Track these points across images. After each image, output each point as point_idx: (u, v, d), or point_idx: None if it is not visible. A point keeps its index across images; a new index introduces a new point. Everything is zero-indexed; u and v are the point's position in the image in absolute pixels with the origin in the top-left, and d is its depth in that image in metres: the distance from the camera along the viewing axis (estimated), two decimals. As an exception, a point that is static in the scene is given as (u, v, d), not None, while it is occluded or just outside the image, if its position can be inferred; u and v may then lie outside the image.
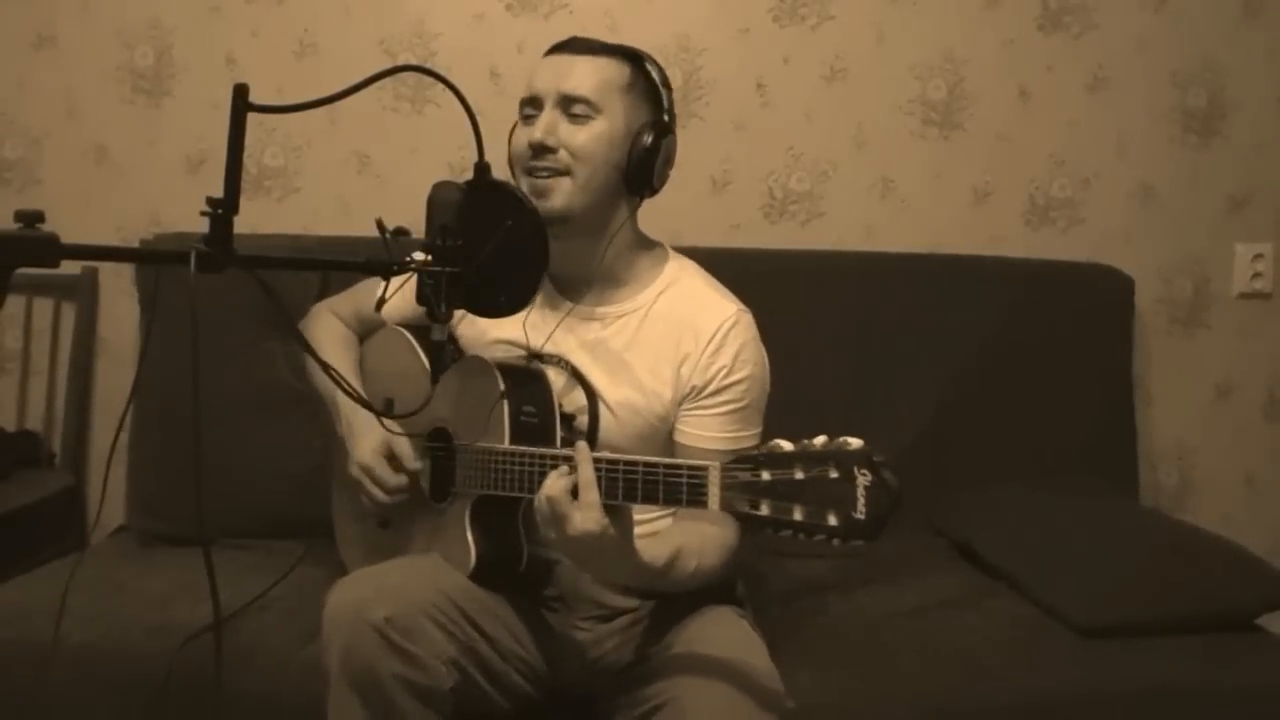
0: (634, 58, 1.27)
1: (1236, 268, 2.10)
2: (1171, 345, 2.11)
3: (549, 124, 1.22)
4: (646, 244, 1.33)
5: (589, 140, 1.22)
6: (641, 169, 1.24)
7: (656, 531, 1.20)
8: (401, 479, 1.27)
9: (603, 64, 1.24)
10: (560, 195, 1.22)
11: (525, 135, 1.24)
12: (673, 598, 1.24)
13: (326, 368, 1.05)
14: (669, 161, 1.27)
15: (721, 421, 1.25)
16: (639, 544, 1.09)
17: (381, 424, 1.26)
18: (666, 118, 1.27)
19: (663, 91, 1.28)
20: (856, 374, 1.88)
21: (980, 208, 2.08)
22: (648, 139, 1.24)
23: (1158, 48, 2.06)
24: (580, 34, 1.31)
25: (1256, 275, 2.11)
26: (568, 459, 1.07)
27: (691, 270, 1.33)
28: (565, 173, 1.22)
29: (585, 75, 1.23)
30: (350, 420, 1.31)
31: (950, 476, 1.83)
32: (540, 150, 1.22)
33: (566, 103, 1.23)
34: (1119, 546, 1.57)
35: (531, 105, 1.26)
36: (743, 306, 1.29)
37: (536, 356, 1.29)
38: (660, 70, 1.29)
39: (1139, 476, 1.95)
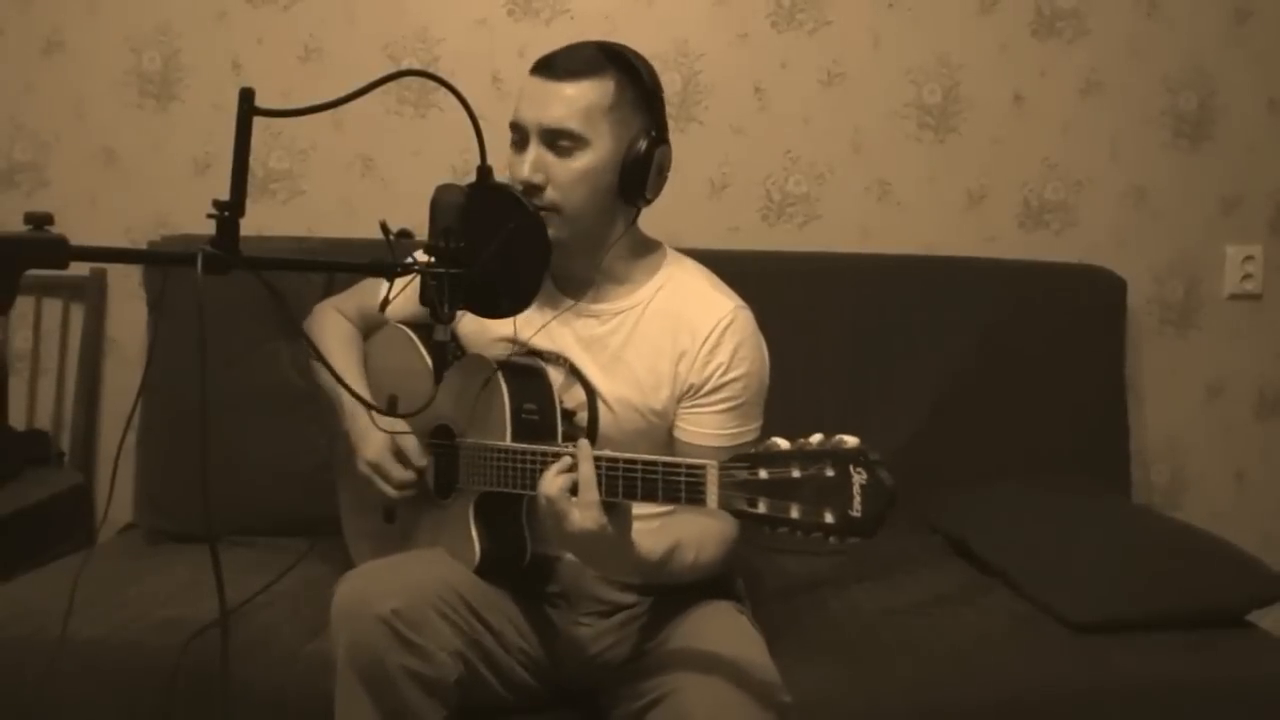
0: (620, 64, 1.23)
1: (1227, 269, 2.12)
2: (1163, 345, 2.13)
3: (535, 161, 1.20)
4: (646, 244, 1.33)
5: (577, 176, 1.20)
6: (635, 184, 1.22)
7: (655, 527, 1.21)
8: (410, 474, 1.27)
9: (585, 88, 1.20)
10: (552, 229, 1.19)
11: (515, 168, 1.22)
12: (672, 592, 1.25)
13: (331, 370, 1.07)
14: (663, 170, 1.25)
15: (721, 419, 1.25)
16: (637, 538, 1.10)
17: (374, 423, 1.26)
18: (655, 130, 1.23)
19: (652, 97, 1.24)
20: (853, 374, 1.90)
21: (975, 210, 2.10)
22: (639, 151, 1.21)
23: (1149, 53, 2.08)
24: (580, 39, 1.32)
25: (1247, 277, 2.12)
26: (569, 455, 1.08)
27: (689, 267, 1.33)
28: (554, 209, 1.20)
29: (568, 105, 1.19)
30: (356, 417, 1.31)
31: (946, 475, 1.84)
32: (529, 189, 1.20)
33: (551, 136, 1.20)
34: (1112, 544, 1.58)
35: (516, 131, 1.23)
36: (740, 303, 1.29)
37: (535, 354, 1.29)
38: (649, 72, 1.25)
39: (1131, 475, 1.97)
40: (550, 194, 1.21)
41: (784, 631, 1.37)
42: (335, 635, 1.12)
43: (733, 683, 1.10)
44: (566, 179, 1.21)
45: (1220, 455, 2.15)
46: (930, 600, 1.57)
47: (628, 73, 1.24)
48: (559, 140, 1.20)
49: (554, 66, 1.22)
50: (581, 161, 1.21)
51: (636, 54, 1.26)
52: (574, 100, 1.20)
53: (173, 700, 1.31)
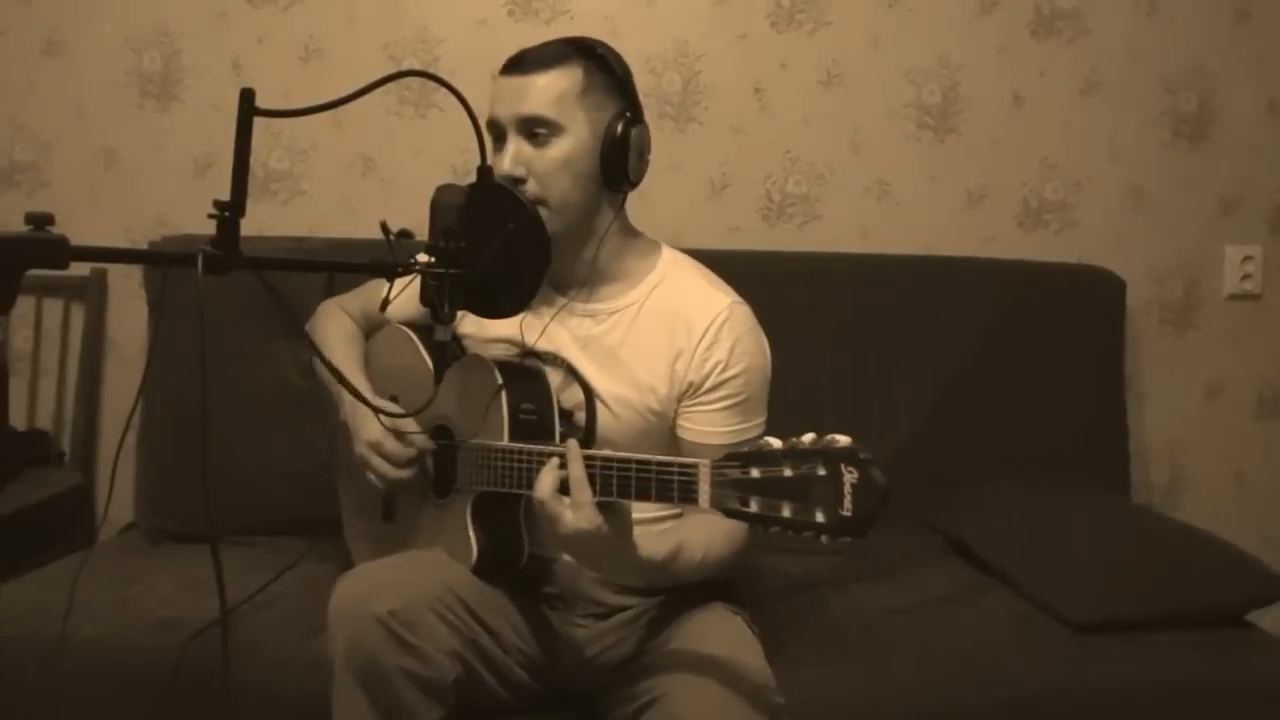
0: (587, 53, 1.24)
1: (1226, 269, 2.13)
2: (1162, 346, 2.13)
3: (515, 154, 1.21)
4: (639, 240, 1.32)
5: (556, 165, 1.21)
6: (616, 168, 1.23)
7: (664, 529, 1.21)
8: (410, 452, 1.26)
9: (555, 76, 1.21)
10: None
11: (496, 166, 1.22)
12: (670, 594, 1.25)
13: (332, 368, 1.07)
14: (643, 152, 1.26)
15: (722, 416, 1.25)
16: (640, 539, 1.10)
17: (381, 423, 1.26)
18: (630, 112, 1.24)
19: (622, 81, 1.25)
20: (853, 374, 1.90)
21: (974, 210, 2.10)
22: (616, 134, 1.22)
23: (1148, 53, 2.08)
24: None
25: (1246, 277, 2.13)
26: (560, 456, 1.08)
27: (685, 264, 1.32)
28: (541, 200, 1.21)
29: (540, 94, 1.21)
30: (356, 405, 1.29)
31: (945, 475, 1.84)
32: (512, 182, 1.21)
33: (527, 126, 1.21)
34: (1111, 544, 1.58)
35: (493, 129, 1.24)
36: (737, 299, 1.28)
37: (533, 354, 1.30)
38: (618, 59, 1.26)
39: (1130, 475, 1.97)
40: (533, 186, 1.22)
41: (784, 631, 1.38)
42: (332, 636, 1.12)
43: (726, 685, 1.11)
44: (546, 169, 1.22)
45: (1219, 455, 2.15)
46: (930, 600, 1.57)
47: (594, 59, 1.25)
48: (535, 129, 1.21)
49: (522, 63, 1.24)
50: (559, 149, 1.21)
51: (602, 43, 1.27)
52: (546, 89, 1.21)
53: (173, 700, 1.31)
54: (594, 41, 1.27)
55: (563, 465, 1.07)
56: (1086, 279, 2.01)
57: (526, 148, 1.22)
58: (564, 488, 1.06)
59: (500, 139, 1.24)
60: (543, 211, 1.21)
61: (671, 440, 1.27)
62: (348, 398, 1.31)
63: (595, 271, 1.29)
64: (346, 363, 1.35)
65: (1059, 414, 1.92)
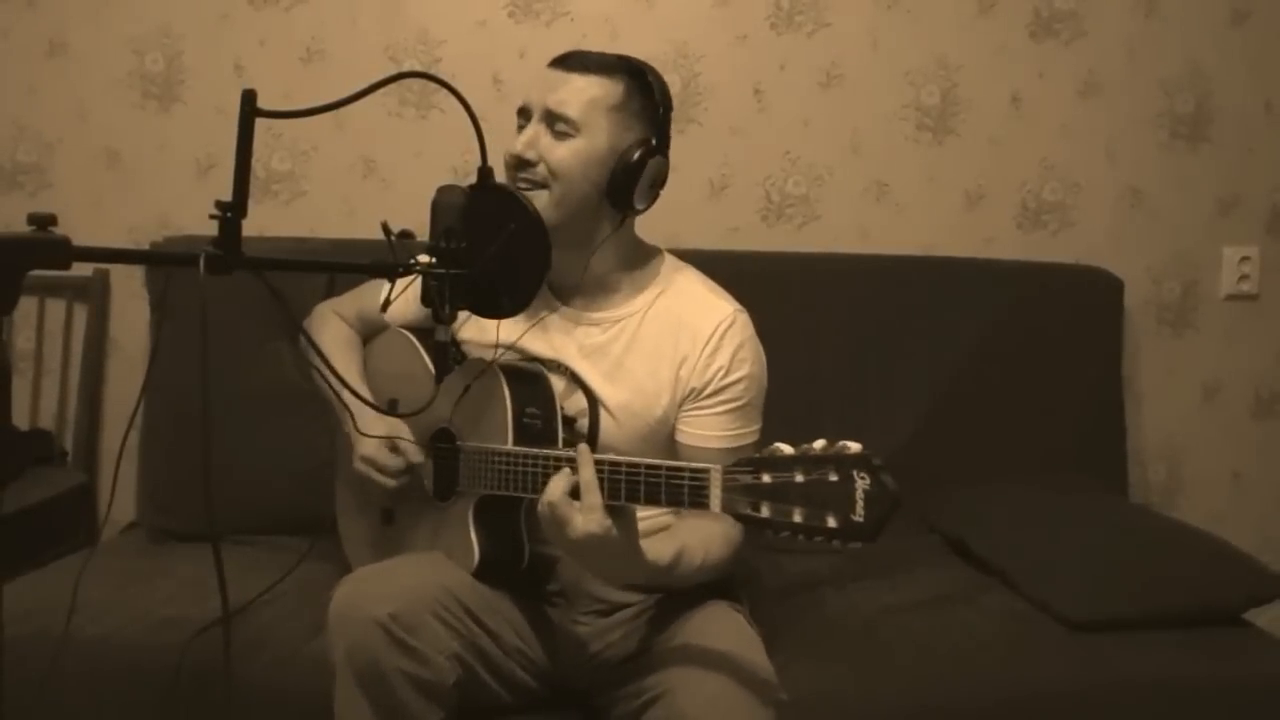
0: (634, 74, 1.27)
1: (1224, 270, 2.13)
2: (1160, 346, 2.14)
3: (531, 138, 1.24)
4: (642, 251, 1.34)
5: (567, 157, 1.23)
6: (623, 187, 1.24)
7: (663, 528, 1.22)
8: (403, 462, 1.28)
9: (594, 82, 1.24)
10: (539, 204, 1.21)
11: (509, 146, 1.25)
12: (673, 593, 1.26)
13: (335, 371, 1.08)
14: (656, 183, 1.27)
15: (721, 421, 1.26)
16: (643, 542, 1.10)
17: (370, 427, 1.28)
18: (655, 140, 1.26)
19: (659, 111, 1.27)
20: (852, 374, 1.90)
21: (973, 211, 2.11)
22: (632, 160, 1.24)
23: (1146, 54, 2.09)
24: (581, 42, 1.33)
25: (1243, 278, 2.13)
26: (570, 461, 1.08)
27: (688, 273, 1.34)
28: (543, 185, 1.23)
29: (573, 93, 1.23)
30: (359, 412, 1.31)
31: (944, 475, 1.84)
32: (521, 163, 1.24)
33: (551, 118, 1.24)
34: (1109, 543, 1.59)
35: (522, 115, 1.27)
36: (739, 307, 1.30)
37: (536, 361, 1.30)
38: (662, 87, 1.29)
39: (1128, 474, 1.98)
40: (541, 170, 1.24)
41: (783, 630, 1.38)
42: (332, 639, 1.12)
43: (728, 681, 1.11)
44: (556, 159, 1.24)
45: (1217, 455, 2.16)
46: (929, 599, 1.58)
47: (638, 80, 1.27)
48: (557, 124, 1.24)
49: (570, 60, 1.27)
50: (574, 146, 1.23)
51: (654, 71, 1.29)
52: (580, 90, 1.24)
53: (175, 698, 1.32)
54: (647, 67, 1.29)
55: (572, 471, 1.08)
56: (1085, 279, 2.01)
57: (545, 136, 1.24)
58: (573, 492, 1.07)
59: (525, 123, 1.26)
60: (543, 195, 1.23)
61: (671, 448, 1.28)
62: (349, 408, 1.32)
63: (592, 281, 1.30)
64: (344, 370, 1.35)
65: (1057, 414, 1.93)
